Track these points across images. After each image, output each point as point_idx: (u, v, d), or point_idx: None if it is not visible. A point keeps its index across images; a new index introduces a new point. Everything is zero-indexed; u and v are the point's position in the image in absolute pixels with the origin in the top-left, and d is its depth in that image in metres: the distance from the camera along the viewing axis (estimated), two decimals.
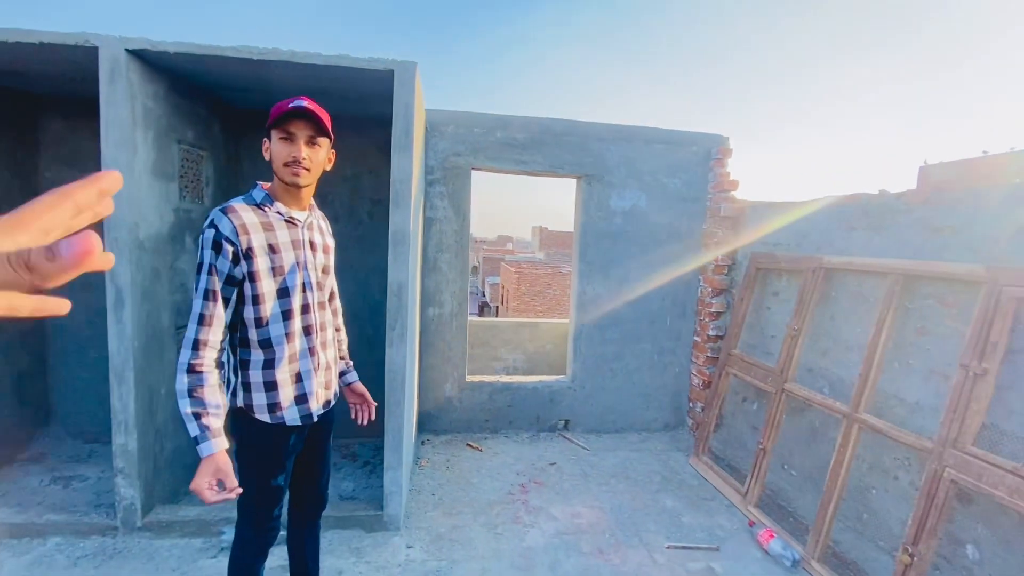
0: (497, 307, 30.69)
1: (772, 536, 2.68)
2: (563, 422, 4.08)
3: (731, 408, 3.73)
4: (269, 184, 1.56)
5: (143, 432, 2.46)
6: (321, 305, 1.63)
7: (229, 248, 1.40)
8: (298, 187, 1.49)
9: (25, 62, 2.45)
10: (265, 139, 1.49)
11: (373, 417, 1.90)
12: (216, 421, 1.39)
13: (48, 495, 2.80)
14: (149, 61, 2.37)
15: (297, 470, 1.74)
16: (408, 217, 2.48)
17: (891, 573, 2.33)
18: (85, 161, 3.22)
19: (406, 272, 2.50)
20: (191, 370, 1.39)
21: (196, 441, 1.37)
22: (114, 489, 2.45)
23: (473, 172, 3.76)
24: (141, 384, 2.43)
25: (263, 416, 1.53)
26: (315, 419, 1.63)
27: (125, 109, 2.25)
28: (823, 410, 2.79)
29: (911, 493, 2.39)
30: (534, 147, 3.77)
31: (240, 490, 1.42)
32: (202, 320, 1.41)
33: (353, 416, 1.90)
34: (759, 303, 3.53)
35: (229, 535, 2.47)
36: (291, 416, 1.56)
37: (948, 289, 2.31)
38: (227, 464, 1.39)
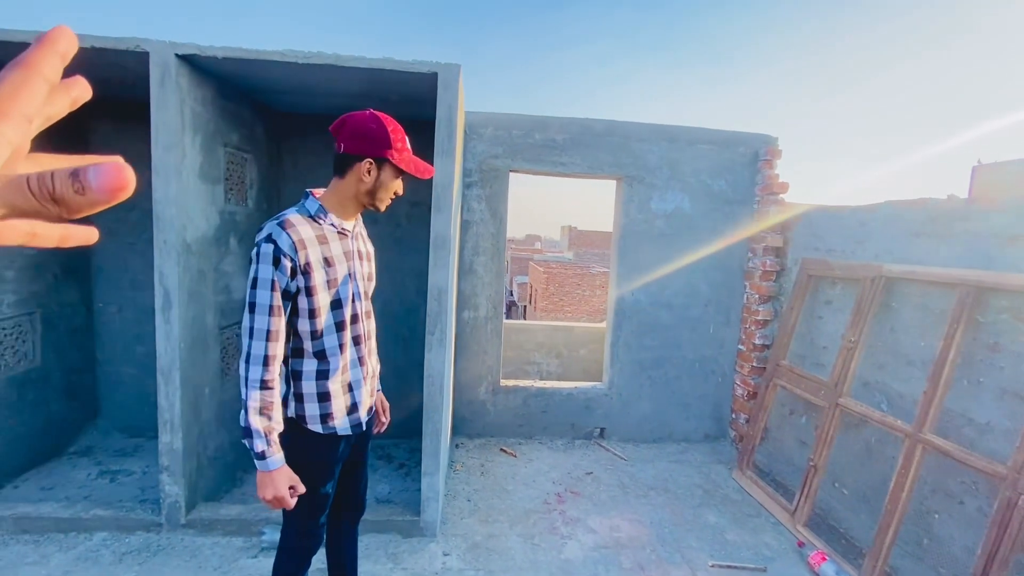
0: (525, 307, 30.67)
1: (824, 559, 2.54)
2: (599, 430, 4.00)
3: (777, 421, 3.58)
4: (320, 192, 1.53)
5: (188, 431, 2.49)
6: (368, 314, 1.63)
7: (287, 264, 1.39)
8: (379, 212, 1.55)
9: (75, 66, 2.51)
10: (371, 161, 1.45)
11: (384, 430, 1.91)
12: (278, 436, 1.42)
13: (95, 489, 2.88)
14: (198, 66, 2.40)
15: (339, 476, 1.72)
16: (449, 221, 2.44)
17: None
18: (134, 163, 3.28)
19: (447, 276, 2.46)
20: (264, 386, 1.39)
21: (262, 456, 1.37)
22: (159, 486, 2.50)
23: (510, 174, 3.70)
24: (187, 384, 2.46)
25: (315, 427, 1.52)
26: (363, 428, 1.63)
27: (174, 113, 2.28)
28: (882, 428, 2.63)
29: (978, 519, 2.22)
30: (573, 148, 3.69)
31: (302, 490, 1.46)
32: (270, 336, 1.39)
33: None
34: (810, 312, 3.37)
35: (268, 535, 2.48)
36: (343, 426, 1.56)
37: None
38: (293, 473, 1.44)
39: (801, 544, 2.74)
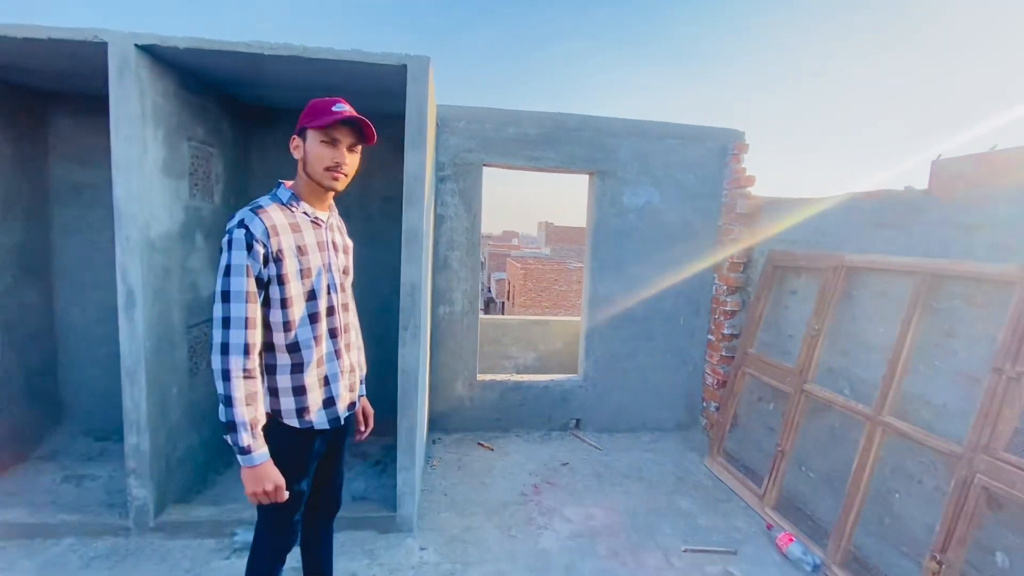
0: (503, 303, 30.71)
1: (791, 540, 2.63)
2: (574, 421, 4.04)
3: (746, 408, 3.67)
4: (291, 182, 1.51)
5: (155, 432, 2.44)
6: (345, 307, 1.62)
7: (260, 250, 1.35)
8: (335, 191, 1.48)
9: (34, 58, 2.42)
10: (295, 137, 1.45)
11: (364, 438, 1.88)
12: (261, 430, 1.40)
13: (61, 494, 2.79)
14: (159, 57, 2.34)
15: (314, 472, 1.71)
16: (422, 215, 2.44)
17: None
18: (95, 159, 3.20)
19: (420, 271, 2.46)
20: (248, 375, 1.35)
21: (247, 450, 1.34)
22: (126, 489, 2.44)
23: (484, 168, 3.70)
24: (153, 384, 2.41)
25: (291, 421, 1.50)
26: (341, 422, 1.62)
27: (135, 106, 2.22)
28: (845, 412, 2.73)
29: (936, 498, 2.33)
30: (546, 143, 3.71)
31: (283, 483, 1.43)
32: (248, 323, 1.35)
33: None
34: (776, 302, 3.46)
35: (241, 536, 2.45)
36: (319, 420, 1.54)
37: (978, 289, 2.24)
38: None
39: (770, 526, 2.83)
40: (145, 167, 2.30)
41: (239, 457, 1.34)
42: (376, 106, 3.07)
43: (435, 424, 3.88)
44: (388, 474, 3.19)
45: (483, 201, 3.75)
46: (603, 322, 3.93)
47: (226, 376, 1.33)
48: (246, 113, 3.34)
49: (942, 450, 2.19)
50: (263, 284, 1.41)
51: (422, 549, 2.52)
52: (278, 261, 1.39)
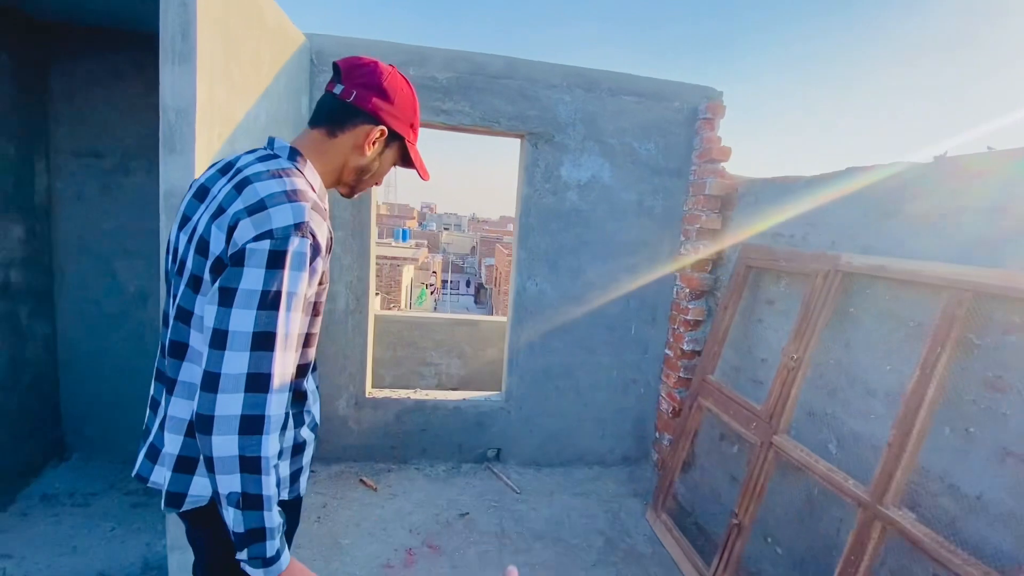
0: (490, 290, 29.98)
1: None
2: (494, 451, 3.22)
3: (706, 445, 2.86)
4: (303, 150, 1.00)
5: None
6: None
7: (319, 268, 0.90)
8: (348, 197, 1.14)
9: None
10: (383, 129, 1.03)
11: None
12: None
13: None
14: None
15: None
16: (191, 169, 1.57)
17: None
18: None
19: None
20: (277, 459, 0.92)
21: (276, 556, 0.86)
22: None
23: None
24: None
25: (283, 493, 1.04)
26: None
27: None
28: (828, 486, 1.90)
29: None
30: (460, 92, 2.82)
31: None
32: (286, 380, 0.88)
33: None
34: (748, 313, 2.62)
35: None
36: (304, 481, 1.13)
37: None
38: None
39: None
40: None
41: (263, 571, 0.85)
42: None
43: None
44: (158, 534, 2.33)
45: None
46: (532, 329, 3.09)
47: (258, 466, 0.83)
48: (45, 32, 2.46)
49: None
50: None
51: None
52: (320, 283, 0.97)
